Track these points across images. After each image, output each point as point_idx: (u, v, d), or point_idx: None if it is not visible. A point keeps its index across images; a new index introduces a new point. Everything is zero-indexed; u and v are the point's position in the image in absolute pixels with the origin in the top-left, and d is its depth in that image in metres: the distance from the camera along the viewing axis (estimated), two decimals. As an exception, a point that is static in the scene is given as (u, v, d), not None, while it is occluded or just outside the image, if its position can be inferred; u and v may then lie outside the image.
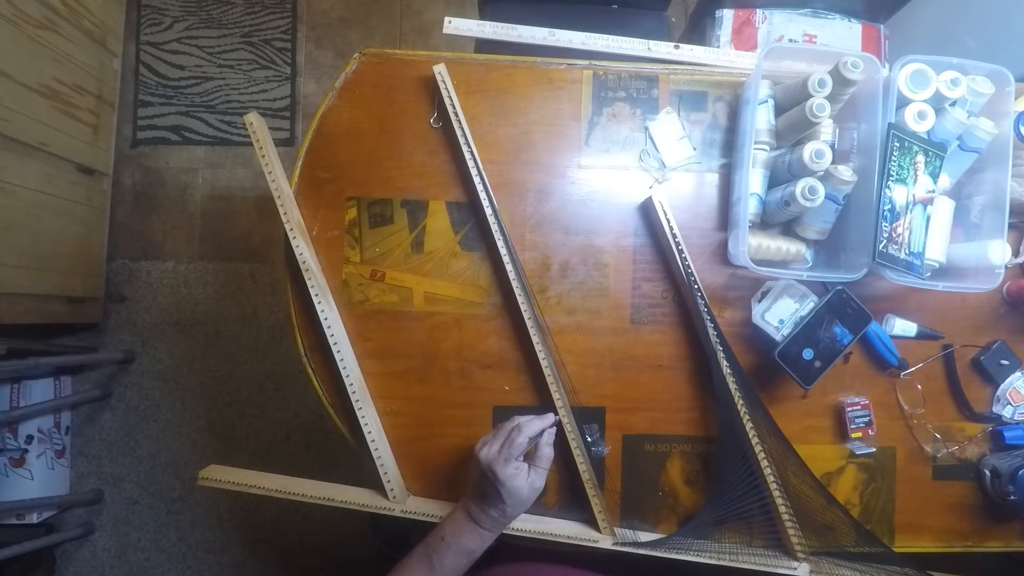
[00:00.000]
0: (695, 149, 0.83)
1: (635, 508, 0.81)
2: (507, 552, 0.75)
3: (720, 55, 0.86)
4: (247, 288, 1.65)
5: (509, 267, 0.77)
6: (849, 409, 0.81)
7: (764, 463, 0.75)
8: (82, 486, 1.59)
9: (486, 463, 0.65)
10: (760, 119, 0.78)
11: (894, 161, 0.72)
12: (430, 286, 0.81)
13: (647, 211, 0.81)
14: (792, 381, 0.74)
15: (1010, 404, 0.82)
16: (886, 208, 0.72)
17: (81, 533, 1.54)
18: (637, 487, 0.81)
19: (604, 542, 0.76)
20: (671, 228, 0.77)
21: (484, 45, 1.00)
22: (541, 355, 0.77)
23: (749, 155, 0.75)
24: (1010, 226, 0.76)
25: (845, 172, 0.74)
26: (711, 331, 0.76)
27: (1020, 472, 0.77)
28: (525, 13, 1.17)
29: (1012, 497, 0.78)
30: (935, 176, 0.74)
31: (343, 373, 0.76)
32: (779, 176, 0.79)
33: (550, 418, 0.71)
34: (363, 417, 0.76)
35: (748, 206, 0.76)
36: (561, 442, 0.75)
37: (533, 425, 0.68)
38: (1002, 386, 0.83)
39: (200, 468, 0.78)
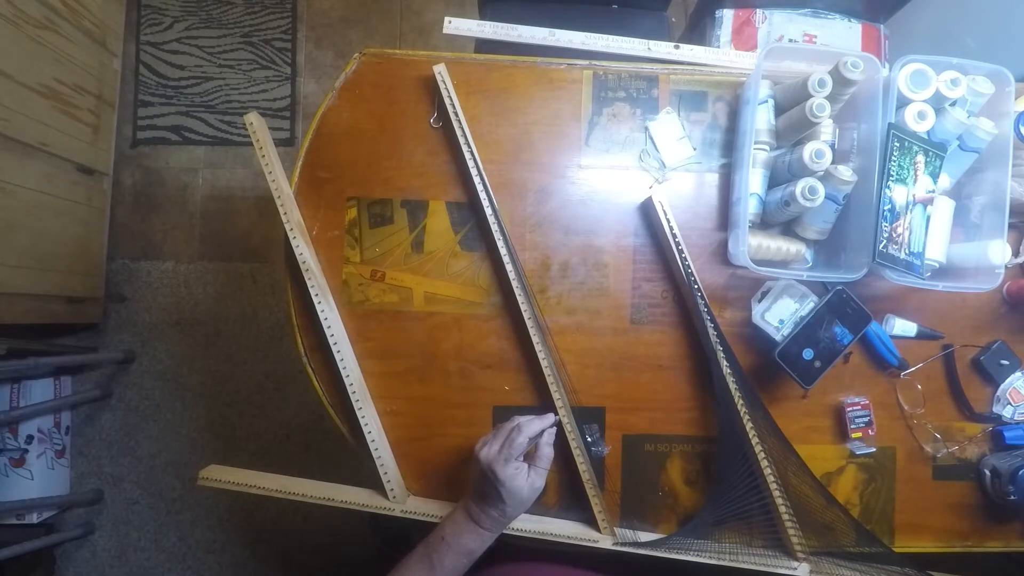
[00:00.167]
0: (695, 149, 0.83)
1: (635, 508, 0.81)
2: (507, 552, 0.75)
3: (720, 55, 0.86)
4: (247, 288, 1.65)
5: (509, 267, 0.77)
6: (849, 409, 0.81)
7: (764, 463, 0.75)
8: (82, 486, 1.59)
9: (486, 463, 0.65)
10: (760, 119, 0.78)
11: (894, 161, 0.72)
12: (430, 286, 0.81)
13: (647, 211, 0.81)
14: (792, 381, 0.74)
15: (1010, 404, 0.82)
16: (886, 208, 0.72)
17: (81, 533, 1.54)
18: (637, 487, 0.81)
19: (604, 542, 0.76)
20: (671, 228, 0.77)
21: (484, 45, 1.00)
22: (541, 355, 0.77)
23: (749, 155, 0.75)
24: (1010, 226, 0.76)
25: (845, 172, 0.74)
26: (711, 331, 0.76)
27: (1020, 472, 0.77)
28: (525, 13, 1.17)
29: (1012, 497, 0.78)
30: (935, 176, 0.74)
31: (343, 373, 0.76)
32: (779, 176, 0.79)
33: (550, 418, 0.71)
34: (363, 417, 0.76)
35: (748, 206, 0.76)
36: (561, 442, 0.75)
37: (533, 425, 0.68)
38: (1002, 386, 0.83)
39: (200, 468, 0.78)
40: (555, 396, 0.76)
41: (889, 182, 0.72)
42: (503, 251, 0.77)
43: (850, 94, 0.76)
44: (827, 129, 0.79)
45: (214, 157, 1.69)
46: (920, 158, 0.74)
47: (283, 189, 0.78)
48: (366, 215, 0.81)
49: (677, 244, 0.77)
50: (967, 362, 0.83)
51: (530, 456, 0.69)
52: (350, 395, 0.76)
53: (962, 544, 0.84)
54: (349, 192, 0.81)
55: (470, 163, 0.78)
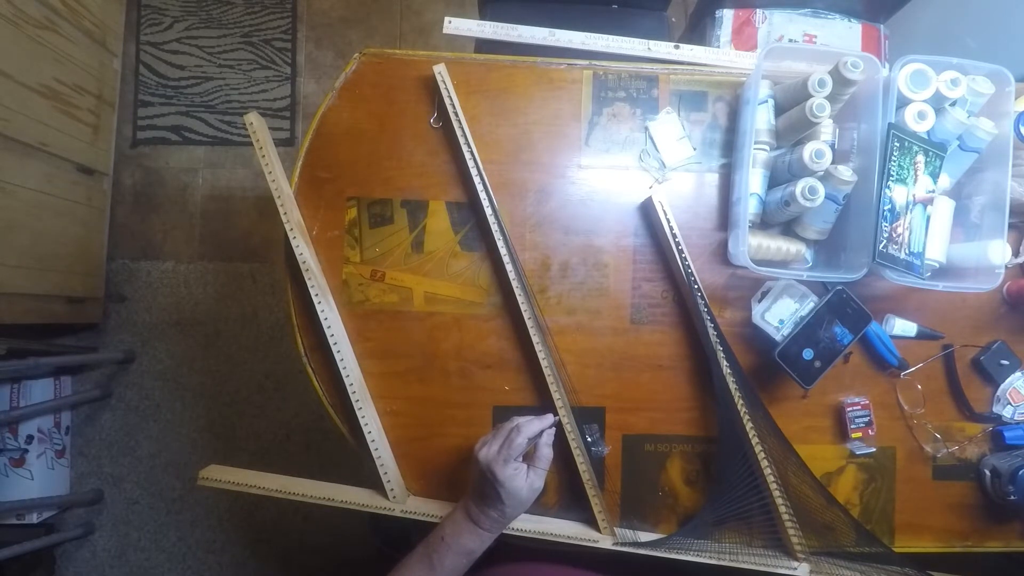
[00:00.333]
0: (695, 149, 0.83)
1: (635, 508, 0.81)
2: (507, 552, 0.75)
3: (720, 55, 0.86)
4: (247, 288, 1.65)
5: (509, 267, 0.77)
6: (849, 409, 0.81)
7: (764, 463, 0.75)
8: (82, 486, 1.59)
9: (485, 464, 0.65)
10: (760, 119, 0.78)
11: (894, 161, 0.72)
12: (430, 286, 0.81)
13: (647, 211, 0.81)
14: (792, 381, 0.74)
15: (1010, 404, 0.82)
16: (886, 208, 0.72)
17: (81, 533, 1.54)
18: (637, 487, 0.81)
19: (604, 542, 0.76)
20: (671, 228, 0.77)
21: (484, 45, 1.00)
22: (541, 355, 0.77)
23: (749, 155, 0.75)
24: (1010, 226, 0.76)
25: (845, 172, 0.74)
26: (711, 331, 0.76)
27: (1020, 472, 0.77)
28: (525, 13, 1.17)
29: (1012, 497, 0.78)
30: (935, 176, 0.74)
31: (343, 373, 0.76)
32: (779, 176, 0.79)
33: (549, 419, 0.71)
34: (363, 417, 0.76)
35: (748, 206, 0.76)
36: (561, 442, 0.75)
37: (532, 426, 0.68)
38: (1002, 386, 0.83)
39: (200, 468, 0.78)
40: (555, 396, 0.76)
41: (889, 182, 0.72)
42: (503, 251, 0.77)
43: (850, 94, 0.76)
44: (827, 129, 0.79)
45: (214, 157, 1.69)
46: (920, 158, 0.74)
47: (283, 189, 0.78)
48: (366, 215, 0.81)
49: (677, 244, 0.77)
50: (967, 362, 0.83)
51: (529, 457, 0.69)
52: (350, 395, 0.76)
53: (962, 544, 0.84)
54: (349, 192, 0.81)
55: (470, 163, 0.78)
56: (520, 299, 0.77)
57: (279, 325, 1.64)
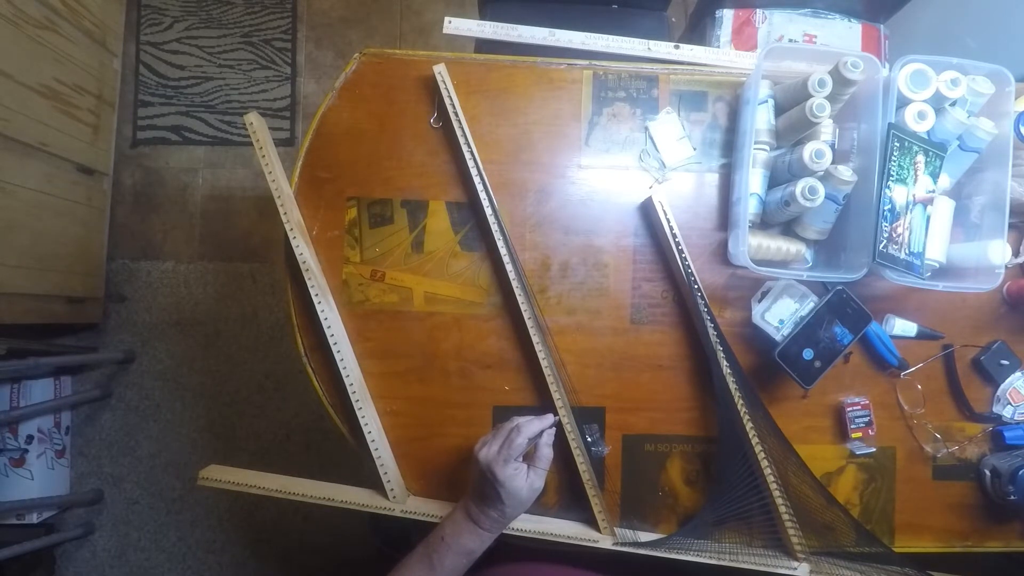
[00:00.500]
0: (695, 149, 0.83)
1: (635, 508, 0.81)
2: (507, 552, 0.75)
3: (720, 55, 0.86)
4: (247, 288, 1.65)
5: (509, 267, 0.77)
6: (849, 409, 0.81)
7: (764, 463, 0.75)
8: (82, 486, 1.59)
9: (485, 464, 0.65)
10: (760, 119, 0.78)
11: (894, 161, 0.72)
12: (430, 286, 0.81)
13: (647, 211, 0.81)
14: (792, 381, 0.74)
15: (1010, 404, 0.82)
16: (886, 208, 0.72)
17: (81, 533, 1.54)
18: (637, 487, 0.81)
19: (604, 542, 0.76)
20: (671, 228, 0.77)
21: (484, 45, 1.00)
22: (541, 355, 0.77)
23: (749, 155, 0.75)
24: (1010, 226, 0.76)
25: (845, 172, 0.74)
26: (711, 331, 0.76)
27: (1020, 472, 0.77)
28: (525, 13, 1.17)
29: (1012, 497, 0.78)
30: (935, 176, 0.74)
31: (343, 373, 0.76)
32: (779, 176, 0.79)
33: (549, 419, 0.71)
34: (363, 417, 0.76)
35: (748, 206, 0.76)
36: (561, 442, 0.75)
37: (532, 426, 0.68)
38: (1002, 386, 0.83)
39: (200, 468, 0.78)
40: (555, 396, 0.76)
41: (889, 182, 0.72)
42: (503, 251, 0.77)
43: (850, 94, 0.76)
44: (827, 129, 0.79)
45: (214, 157, 1.69)
46: (920, 158, 0.74)
47: (283, 189, 0.78)
48: (366, 215, 0.81)
49: (677, 244, 0.77)
50: (967, 362, 0.83)
51: (529, 457, 0.69)
52: (350, 395, 0.76)
53: (962, 544, 0.84)
54: (349, 192, 0.81)
55: (470, 163, 0.78)
56: (520, 299, 0.77)
57: (279, 325, 1.64)
